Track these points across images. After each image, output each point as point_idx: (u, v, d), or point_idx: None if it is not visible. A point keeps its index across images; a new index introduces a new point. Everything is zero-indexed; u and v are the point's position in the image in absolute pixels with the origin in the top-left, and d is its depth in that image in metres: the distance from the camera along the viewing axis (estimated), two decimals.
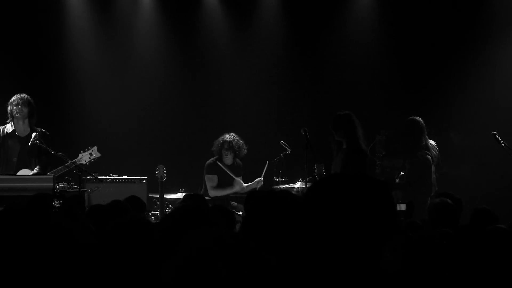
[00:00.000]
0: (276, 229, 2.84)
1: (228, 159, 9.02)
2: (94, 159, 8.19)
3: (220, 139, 9.03)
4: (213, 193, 8.95)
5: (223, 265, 1.75)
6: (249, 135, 9.62)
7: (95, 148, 8.26)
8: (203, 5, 10.80)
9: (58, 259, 3.15)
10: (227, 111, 10.63)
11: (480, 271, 3.10)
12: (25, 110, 8.17)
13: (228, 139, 8.97)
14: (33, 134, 8.12)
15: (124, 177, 9.20)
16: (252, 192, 5.89)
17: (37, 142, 8.08)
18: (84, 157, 8.15)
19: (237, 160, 9.14)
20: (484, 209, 5.70)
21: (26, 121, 8.21)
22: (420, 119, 8.85)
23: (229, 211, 5.46)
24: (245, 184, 9.06)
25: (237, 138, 9.05)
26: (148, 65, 10.79)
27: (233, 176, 9.02)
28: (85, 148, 8.29)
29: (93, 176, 8.40)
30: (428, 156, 8.79)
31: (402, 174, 8.85)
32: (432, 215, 5.67)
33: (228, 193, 8.98)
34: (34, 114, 8.24)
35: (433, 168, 8.76)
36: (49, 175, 7.73)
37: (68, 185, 8.14)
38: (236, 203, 8.80)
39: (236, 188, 9.01)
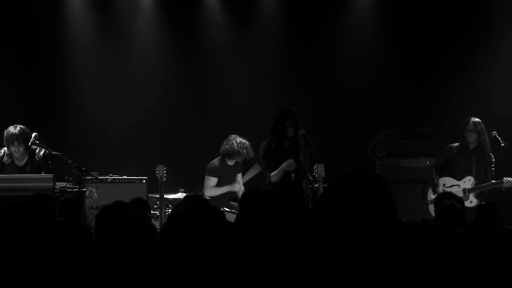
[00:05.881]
0: (270, 227, 2.84)
1: (233, 161, 8.99)
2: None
3: (240, 144, 8.80)
4: (209, 192, 8.82)
5: (240, 258, 1.78)
6: (249, 135, 9.60)
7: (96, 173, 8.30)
8: (203, 5, 10.80)
9: (54, 258, 3.15)
10: (227, 111, 10.62)
11: (488, 271, 3.10)
12: (22, 148, 8.10)
13: (247, 145, 8.82)
14: (33, 134, 8.11)
15: (124, 177, 9.21)
16: (247, 192, 5.87)
17: (37, 142, 8.08)
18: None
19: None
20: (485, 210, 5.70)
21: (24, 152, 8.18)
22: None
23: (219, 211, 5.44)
24: (242, 182, 8.98)
25: (246, 143, 8.88)
26: (149, 65, 10.78)
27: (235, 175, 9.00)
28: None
29: (93, 176, 8.39)
30: None
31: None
32: (439, 216, 5.64)
33: (224, 191, 8.88)
34: (30, 140, 8.14)
35: None
36: (49, 175, 7.73)
37: (68, 185, 8.13)
38: (236, 203, 8.77)
39: (234, 188, 8.92)
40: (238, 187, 8.92)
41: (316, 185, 8.05)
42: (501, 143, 8.56)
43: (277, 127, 8.04)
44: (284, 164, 7.97)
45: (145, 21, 10.76)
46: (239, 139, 8.87)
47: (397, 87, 10.62)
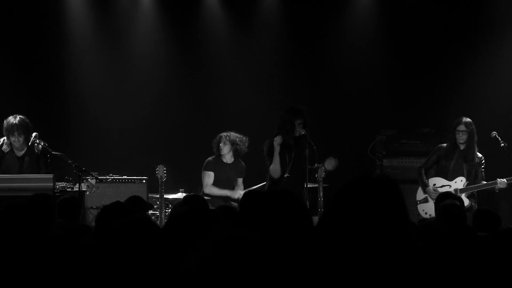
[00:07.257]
0: (271, 227, 2.84)
1: (228, 156, 8.93)
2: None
3: (218, 136, 8.97)
4: (208, 189, 8.77)
5: (247, 258, 1.78)
6: (249, 135, 9.60)
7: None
8: (203, 5, 10.80)
9: (55, 258, 3.15)
10: (227, 111, 10.62)
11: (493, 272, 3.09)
12: (22, 138, 8.08)
13: (224, 134, 8.91)
14: (33, 134, 8.10)
15: (124, 177, 9.20)
16: (247, 192, 5.86)
17: (37, 142, 8.07)
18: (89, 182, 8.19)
19: (240, 160, 9.02)
20: (486, 210, 5.69)
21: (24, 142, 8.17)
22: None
23: (234, 209, 5.45)
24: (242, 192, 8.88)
25: (235, 134, 8.93)
26: (149, 64, 10.77)
27: (233, 177, 8.94)
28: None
29: (93, 176, 8.39)
30: None
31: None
32: (441, 216, 5.64)
33: (223, 194, 8.79)
34: (30, 132, 8.12)
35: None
36: (49, 175, 7.72)
37: (68, 185, 8.13)
38: (235, 203, 8.73)
39: (234, 195, 8.81)
40: (238, 195, 8.76)
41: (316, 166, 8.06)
42: (501, 143, 8.55)
43: (286, 125, 7.98)
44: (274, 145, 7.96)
45: (145, 21, 10.76)
46: (226, 132, 8.91)
47: (397, 87, 10.63)
